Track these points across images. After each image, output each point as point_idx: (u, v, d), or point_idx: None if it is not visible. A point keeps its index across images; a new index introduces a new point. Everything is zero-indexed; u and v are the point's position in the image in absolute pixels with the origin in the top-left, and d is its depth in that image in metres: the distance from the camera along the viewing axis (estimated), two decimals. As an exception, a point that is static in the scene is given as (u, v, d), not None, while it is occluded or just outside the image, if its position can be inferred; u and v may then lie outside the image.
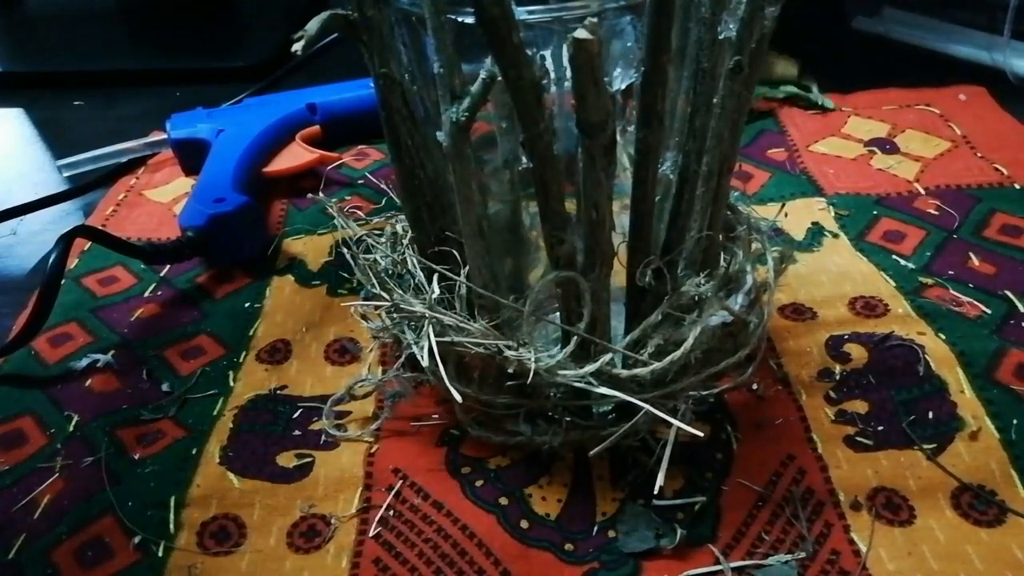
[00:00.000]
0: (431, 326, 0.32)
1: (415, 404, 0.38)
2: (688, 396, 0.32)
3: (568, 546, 0.32)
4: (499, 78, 0.25)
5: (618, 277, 0.31)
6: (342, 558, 0.32)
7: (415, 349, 0.33)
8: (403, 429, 0.37)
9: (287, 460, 0.36)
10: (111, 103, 0.71)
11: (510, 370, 0.31)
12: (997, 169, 0.52)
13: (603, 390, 0.30)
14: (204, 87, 0.70)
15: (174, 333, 0.44)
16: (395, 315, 0.35)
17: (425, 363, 0.32)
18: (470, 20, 0.26)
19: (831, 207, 0.50)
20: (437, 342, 0.32)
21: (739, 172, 0.53)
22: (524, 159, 0.27)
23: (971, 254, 0.45)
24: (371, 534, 0.33)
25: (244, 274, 0.48)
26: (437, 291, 0.33)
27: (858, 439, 0.35)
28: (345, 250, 0.38)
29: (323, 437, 0.37)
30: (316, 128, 0.59)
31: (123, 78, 0.74)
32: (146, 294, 0.47)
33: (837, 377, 0.38)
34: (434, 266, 0.33)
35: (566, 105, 0.32)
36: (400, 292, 0.34)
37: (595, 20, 0.22)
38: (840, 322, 0.41)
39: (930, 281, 0.43)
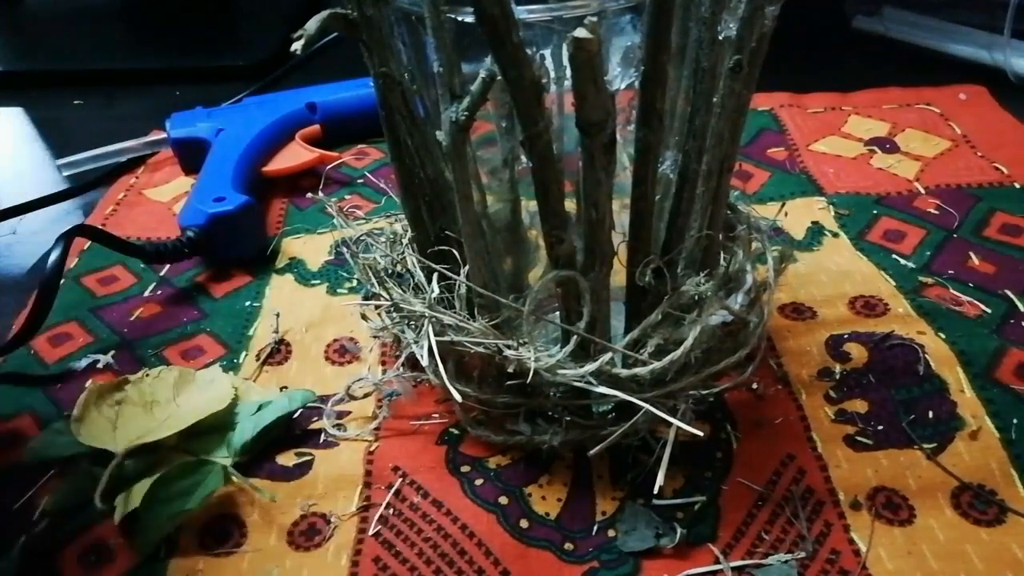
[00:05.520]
0: (431, 325, 0.32)
1: (415, 403, 0.38)
2: (688, 395, 0.32)
3: (568, 545, 0.32)
4: (499, 77, 0.25)
5: (618, 276, 0.31)
6: (342, 556, 0.32)
7: (415, 348, 0.33)
8: (403, 428, 0.37)
9: (287, 459, 0.36)
10: (111, 102, 0.71)
11: (510, 369, 0.31)
12: (997, 168, 0.52)
13: (603, 389, 0.30)
14: (204, 86, 0.70)
15: (174, 333, 0.44)
16: (395, 315, 0.35)
17: (425, 362, 0.32)
18: (470, 19, 0.26)
19: (831, 206, 0.50)
20: (437, 342, 0.32)
21: (739, 171, 0.53)
22: (524, 158, 0.27)
23: (971, 253, 0.45)
24: (371, 532, 0.33)
25: (244, 273, 0.48)
26: (437, 290, 0.33)
27: (858, 438, 0.35)
28: (345, 249, 0.38)
29: (323, 436, 0.37)
30: (316, 127, 0.59)
31: (123, 77, 0.74)
32: (146, 293, 0.47)
33: (837, 376, 0.38)
34: (434, 265, 0.33)
35: (566, 105, 0.32)
36: (400, 291, 0.34)
37: (595, 19, 0.22)
38: (840, 321, 0.41)
39: (930, 280, 0.43)
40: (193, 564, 0.32)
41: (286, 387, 0.40)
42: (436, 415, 0.38)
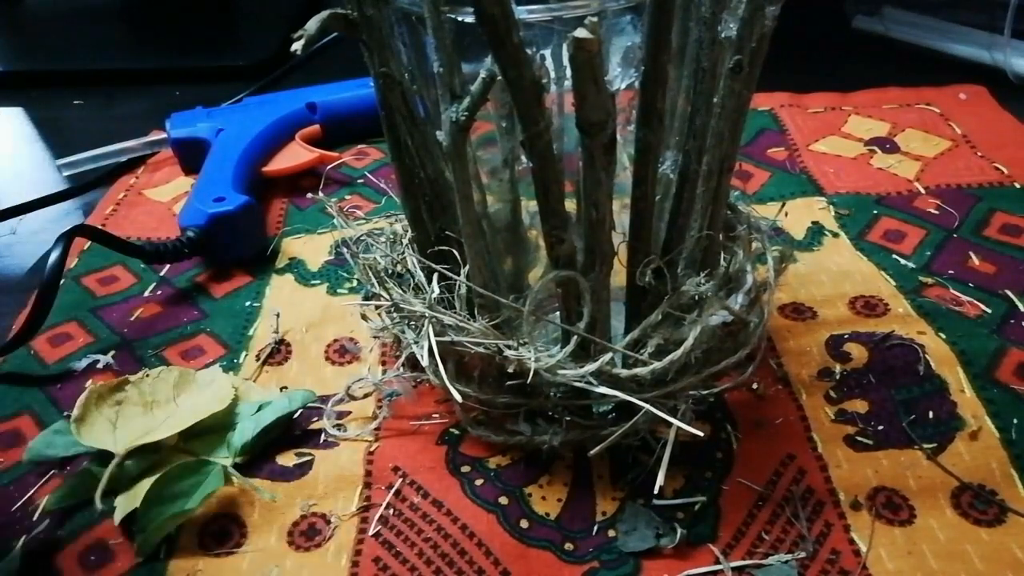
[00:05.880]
0: (431, 326, 0.32)
1: (415, 403, 0.38)
2: (688, 396, 0.32)
3: (568, 545, 0.32)
4: (499, 77, 0.25)
5: (618, 276, 0.31)
6: (342, 556, 0.32)
7: (415, 349, 0.33)
8: (403, 428, 0.37)
9: (287, 459, 0.36)
10: (111, 102, 0.71)
11: (510, 370, 0.31)
12: (997, 168, 0.52)
13: (603, 389, 0.30)
14: (204, 86, 0.70)
15: (174, 333, 0.44)
16: (395, 315, 0.35)
17: (425, 363, 0.32)
18: (470, 19, 0.26)
19: (831, 206, 0.50)
20: (437, 342, 0.32)
21: (739, 171, 0.53)
22: (524, 158, 0.27)
23: (971, 253, 0.45)
24: (371, 533, 0.33)
25: (244, 273, 0.48)
26: (437, 291, 0.33)
27: (858, 438, 0.35)
28: (345, 249, 0.38)
29: (323, 436, 0.37)
30: (316, 127, 0.59)
31: (123, 77, 0.74)
32: (146, 293, 0.47)
33: (837, 376, 0.38)
34: (434, 265, 0.33)
35: (566, 104, 0.32)
36: (400, 292, 0.34)
37: (595, 19, 0.22)
38: (840, 321, 0.41)
39: (930, 280, 0.43)
40: (193, 564, 0.32)
41: (286, 387, 0.40)
42: (436, 415, 0.38)
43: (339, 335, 0.43)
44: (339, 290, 0.46)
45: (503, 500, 0.34)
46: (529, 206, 0.35)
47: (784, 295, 0.43)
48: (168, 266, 0.49)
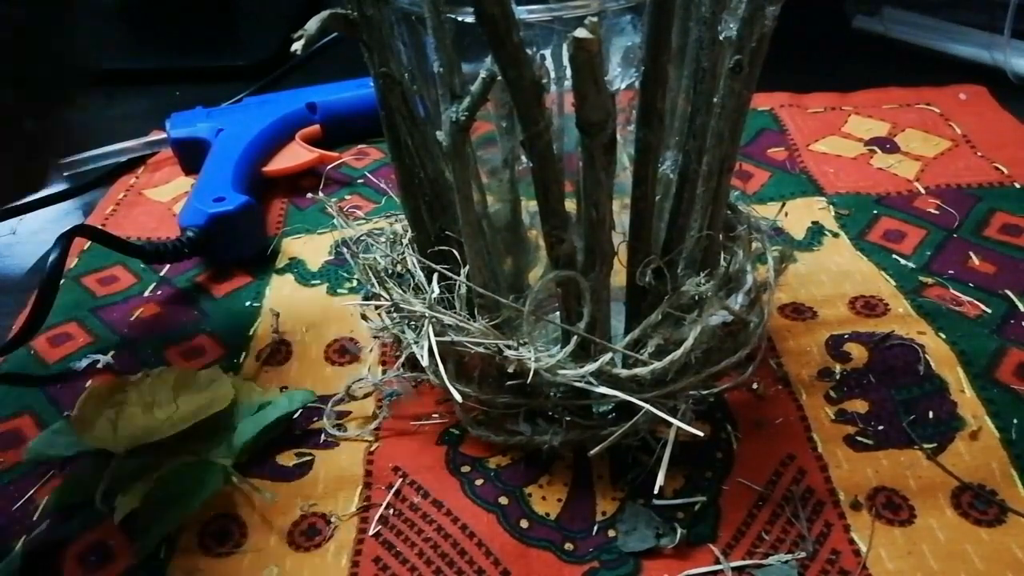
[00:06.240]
0: (431, 326, 0.32)
1: (415, 403, 0.38)
2: (688, 396, 0.32)
3: (568, 545, 0.32)
4: (499, 77, 0.25)
5: (618, 276, 0.31)
6: (342, 556, 0.32)
7: (415, 349, 0.33)
8: (403, 428, 0.37)
9: (287, 459, 0.36)
10: (111, 102, 0.71)
11: (510, 370, 0.31)
12: (997, 168, 0.52)
13: (603, 390, 0.30)
14: (204, 86, 0.70)
15: (174, 333, 0.44)
16: (395, 315, 0.35)
17: (425, 363, 0.32)
18: (470, 19, 0.26)
19: (831, 206, 0.50)
20: (437, 342, 0.32)
21: (739, 171, 0.53)
22: (524, 158, 0.27)
23: (971, 253, 0.45)
24: (371, 532, 0.33)
25: (244, 273, 0.48)
26: (437, 291, 0.33)
27: (858, 438, 0.35)
28: (345, 249, 0.38)
29: (323, 436, 0.37)
30: (316, 127, 0.59)
31: (123, 77, 0.74)
32: (146, 294, 0.47)
33: (837, 376, 0.38)
34: (434, 265, 0.33)
35: (566, 104, 0.32)
36: (400, 292, 0.34)
37: (595, 19, 0.22)
38: (840, 321, 0.41)
39: (930, 280, 0.43)
40: (193, 564, 0.32)
41: (286, 387, 0.40)
42: (436, 415, 0.38)
43: (339, 335, 0.43)
44: (339, 290, 0.46)
45: (503, 500, 0.34)
46: (529, 206, 0.35)
47: (784, 295, 0.43)
48: (168, 266, 0.49)
